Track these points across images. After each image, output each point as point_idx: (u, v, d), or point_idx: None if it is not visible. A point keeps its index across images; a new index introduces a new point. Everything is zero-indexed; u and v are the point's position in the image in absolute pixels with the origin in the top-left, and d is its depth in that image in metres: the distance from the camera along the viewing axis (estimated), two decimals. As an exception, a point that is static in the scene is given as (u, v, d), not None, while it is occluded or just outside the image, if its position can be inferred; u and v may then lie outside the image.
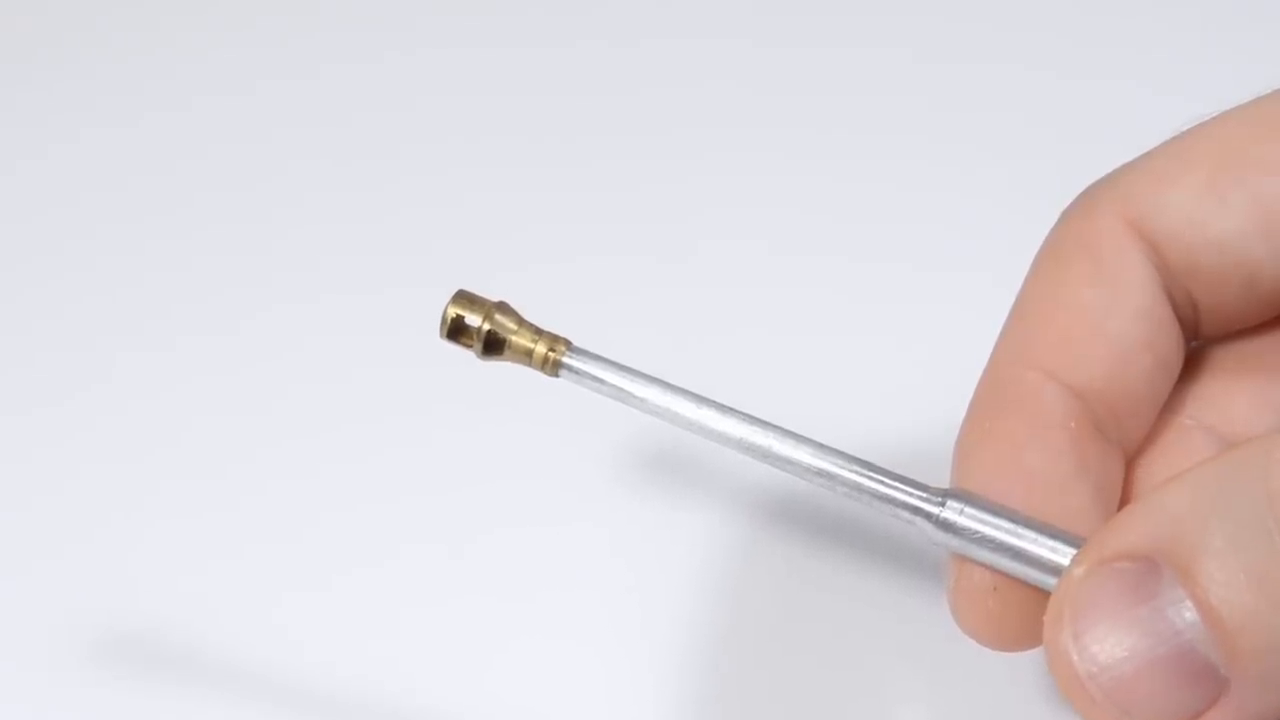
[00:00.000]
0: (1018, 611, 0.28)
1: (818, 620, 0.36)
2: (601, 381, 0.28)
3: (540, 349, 0.28)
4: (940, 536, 0.28)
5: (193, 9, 0.52)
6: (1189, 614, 0.25)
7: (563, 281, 0.43)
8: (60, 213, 0.46)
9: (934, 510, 0.28)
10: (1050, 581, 0.27)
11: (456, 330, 0.28)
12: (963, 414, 0.30)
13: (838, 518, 0.38)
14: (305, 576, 0.38)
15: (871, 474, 0.28)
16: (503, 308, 0.28)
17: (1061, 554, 0.27)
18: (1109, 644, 0.25)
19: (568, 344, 0.28)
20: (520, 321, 0.28)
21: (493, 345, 0.28)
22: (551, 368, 0.28)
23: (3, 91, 0.50)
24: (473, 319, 0.28)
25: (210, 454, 0.40)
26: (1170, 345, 0.30)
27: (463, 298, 0.28)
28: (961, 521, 0.28)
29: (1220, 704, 0.25)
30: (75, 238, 0.46)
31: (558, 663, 0.36)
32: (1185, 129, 0.30)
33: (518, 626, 0.37)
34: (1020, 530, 0.28)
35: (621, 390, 0.28)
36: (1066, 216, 0.30)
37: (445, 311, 0.28)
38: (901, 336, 0.42)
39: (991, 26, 0.50)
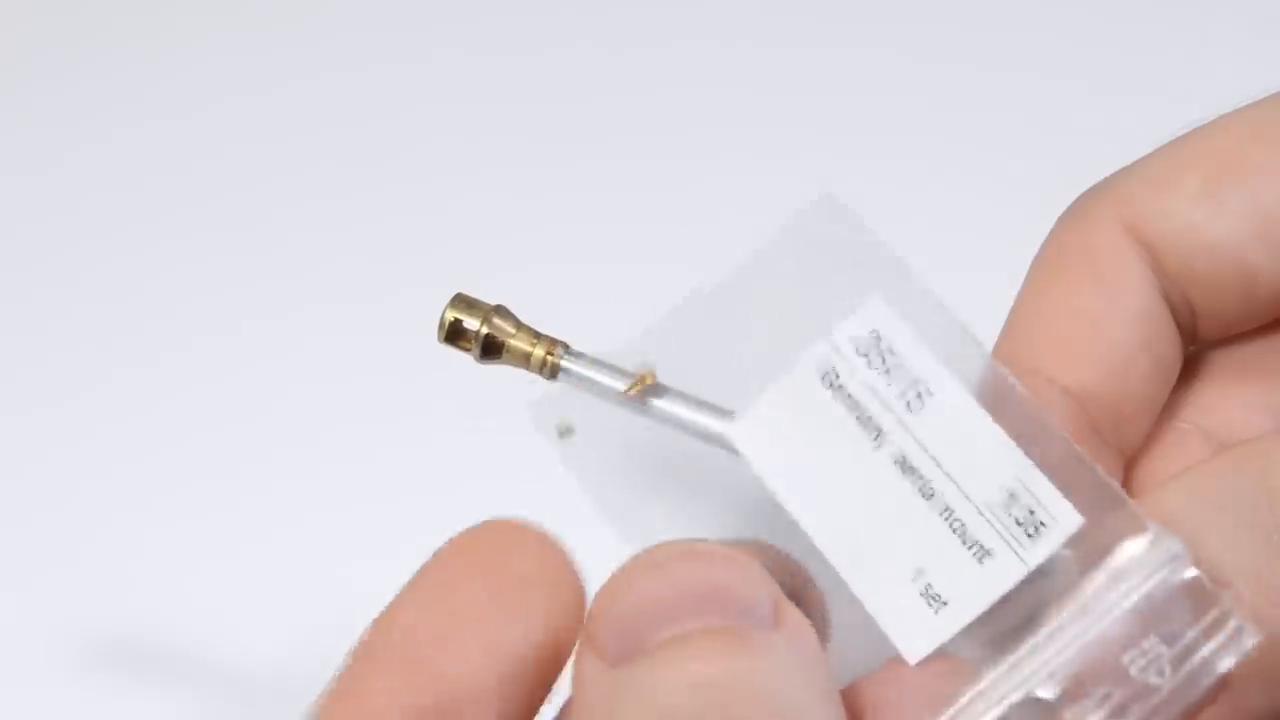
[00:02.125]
0: None
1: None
2: (599, 385, 0.28)
3: (538, 352, 0.28)
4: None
5: (192, 14, 0.52)
6: (1187, 610, 0.25)
7: (562, 283, 0.43)
8: (59, 216, 0.46)
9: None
10: None
11: (455, 334, 0.28)
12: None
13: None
14: (305, 576, 0.38)
15: None
16: (501, 311, 0.28)
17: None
18: None
19: (566, 347, 0.28)
20: (518, 325, 0.28)
21: (491, 349, 0.28)
22: (550, 371, 0.28)
23: (5, 97, 0.50)
24: (471, 322, 0.28)
25: (209, 454, 0.40)
26: (1168, 349, 0.30)
27: (461, 301, 0.28)
28: None
29: (1219, 701, 0.25)
30: (74, 242, 0.46)
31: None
32: (1183, 133, 0.30)
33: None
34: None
35: (619, 393, 0.28)
36: (1064, 221, 0.30)
37: (443, 315, 0.28)
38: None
39: (992, 28, 0.50)
